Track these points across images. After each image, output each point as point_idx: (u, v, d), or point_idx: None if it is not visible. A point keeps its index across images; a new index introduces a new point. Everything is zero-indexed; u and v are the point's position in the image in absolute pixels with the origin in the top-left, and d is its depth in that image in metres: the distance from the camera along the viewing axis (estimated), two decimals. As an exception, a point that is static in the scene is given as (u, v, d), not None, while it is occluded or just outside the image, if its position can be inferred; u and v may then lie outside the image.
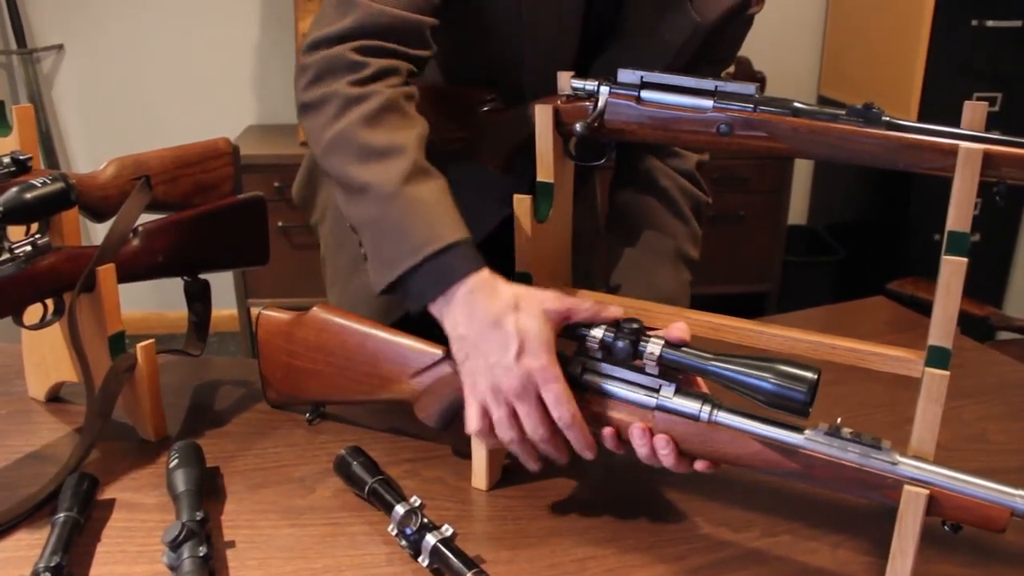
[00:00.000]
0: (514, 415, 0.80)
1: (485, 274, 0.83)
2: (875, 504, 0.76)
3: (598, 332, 0.82)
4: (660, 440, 0.79)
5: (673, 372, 0.81)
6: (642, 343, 0.80)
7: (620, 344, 0.80)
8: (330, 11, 0.94)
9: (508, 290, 0.82)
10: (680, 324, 0.80)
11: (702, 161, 1.18)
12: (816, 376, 0.73)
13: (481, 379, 0.81)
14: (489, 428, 0.82)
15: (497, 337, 0.80)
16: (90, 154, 3.10)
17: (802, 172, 3.23)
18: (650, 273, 1.11)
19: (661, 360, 0.79)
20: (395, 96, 0.89)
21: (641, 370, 0.82)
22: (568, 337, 0.83)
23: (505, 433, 0.81)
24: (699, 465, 0.80)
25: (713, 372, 0.77)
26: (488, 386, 0.80)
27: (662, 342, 0.79)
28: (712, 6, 1.03)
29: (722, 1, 1.03)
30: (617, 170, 1.21)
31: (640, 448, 0.80)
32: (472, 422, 0.83)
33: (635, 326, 0.81)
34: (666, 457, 0.79)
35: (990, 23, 2.59)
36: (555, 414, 0.79)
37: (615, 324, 0.82)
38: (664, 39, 1.02)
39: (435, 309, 0.84)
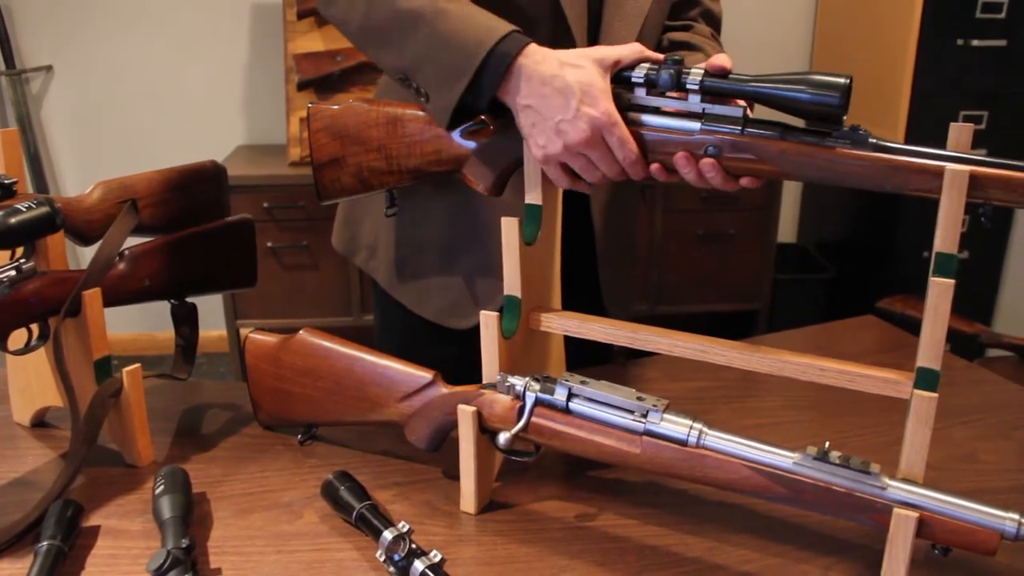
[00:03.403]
0: (590, 161, 0.88)
1: (535, 45, 0.89)
2: (866, 527, 0.76)
3: (642, 69, 0.85)
4: (706, 164, 0.84)
5: (716, 98, 0.84)
6: (684, 74, 0.83)
7: (664, 76, 0.84)
8: None
9: (557, 52, 0.88)
10: (722, 55, 0.84)
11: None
12: (848, 81, 0.76)
13: (554, 140, 0.87)
14: (573, 179, 0.91)
15: (557, 95, 0.86)
16: (79, 174, 3.09)
17: (791, 190, 3.25)
18: None
19: (703, 87, 0.83)
20: None
21: (680, 112, 0.85)
22: (615, 81, 0.87)
23: (592, 176, 0.90)
24: (745, 181, 0.86)
25: (751, 92, 0.81)
26: (562, 145, 0.87)
27: (703, 70, 0.83)
28: None
29: None
30: None
31: (687, 174, 0.86)
32: (559, 181, 0.92)
33: (677, 58, 0.84)
34: (713, 178, 0.85)
35: (975, 42, 2.62)
36: (619, 156, 0.87)
37: (657, 62, 0.86)
38: None
39: (503, 94, 0.89)
